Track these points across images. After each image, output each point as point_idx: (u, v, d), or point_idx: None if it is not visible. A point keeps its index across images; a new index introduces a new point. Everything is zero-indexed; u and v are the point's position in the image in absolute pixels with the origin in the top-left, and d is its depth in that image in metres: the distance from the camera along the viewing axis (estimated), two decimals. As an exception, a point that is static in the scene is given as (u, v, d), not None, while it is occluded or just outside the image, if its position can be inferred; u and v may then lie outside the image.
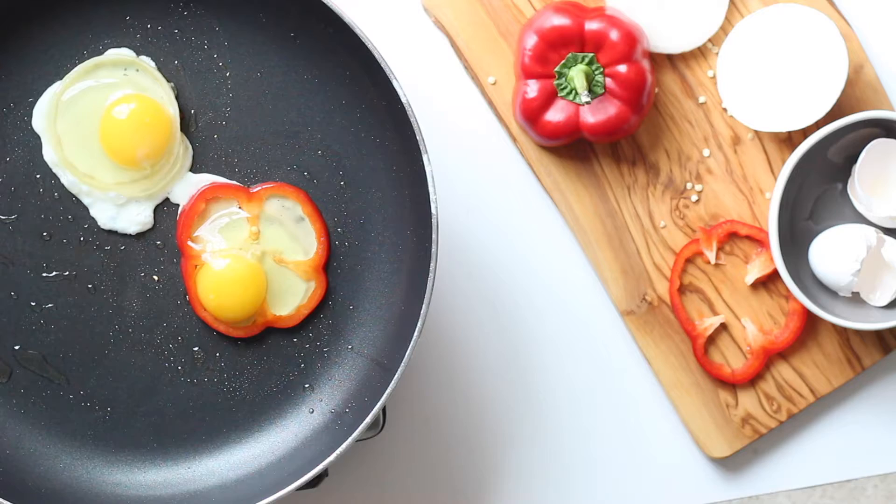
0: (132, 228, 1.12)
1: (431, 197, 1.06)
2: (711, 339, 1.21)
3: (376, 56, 1.07)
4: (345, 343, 1.13)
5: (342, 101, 1.12)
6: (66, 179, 1.11)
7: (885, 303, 1.18)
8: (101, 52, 1.11)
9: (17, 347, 1.12)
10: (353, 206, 1.12)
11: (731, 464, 1.23)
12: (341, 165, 1.12)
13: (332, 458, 1.07)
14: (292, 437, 1.13)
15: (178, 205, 1.12)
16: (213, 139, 1.12)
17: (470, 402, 1.22)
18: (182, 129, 1.12)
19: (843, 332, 1.21)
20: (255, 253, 1.12)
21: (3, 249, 1.12)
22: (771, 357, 1.21)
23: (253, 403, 1.13)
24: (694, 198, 1.20)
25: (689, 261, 1.20)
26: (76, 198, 1.12)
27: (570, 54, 1.14)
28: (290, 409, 1.13)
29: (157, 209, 1.12)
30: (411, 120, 1.06)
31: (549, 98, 1.15)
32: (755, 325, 1.20)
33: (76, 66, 1.11)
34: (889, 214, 1.16)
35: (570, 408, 1.23)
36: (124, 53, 1.11)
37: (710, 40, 1.19)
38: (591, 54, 1.14)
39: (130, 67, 1.11)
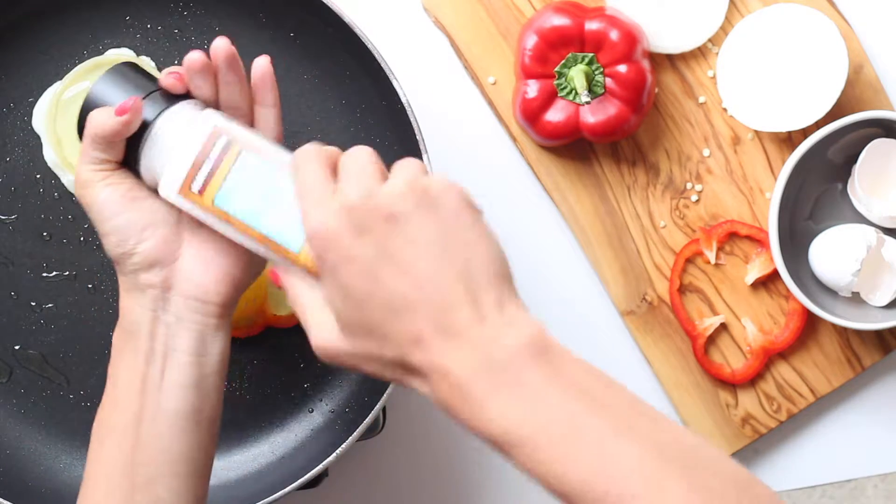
0: (132, 228, 1.12)
1: (431, 197, 1.06)
2: (711, 339, 1.21)
3: (376, 56, 1.07)
4: (345, 343, 1.13)
5: (342, 101, 1.12)
6: (67, 179, 1.11)
7: (885, 303, 1.18)
8: (101, 52, 1.11)
9: (17, 347, 1.12)
10: (353, 206, 1.12)
11: (731, 464, 1.23)
12: (341, 165, 1.12)
13: (332, 458, 1.07)
14: (292, 437, 1.13)
15: (178, 205, 1.12)
16: (213, 139, 1.12)
17: (470, 402, 1.22)
18: (182, 129, 1.12)
19: (843, 332, 1.21)
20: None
21: (3, 249, 1.12)
22: (771, 357, 1.21)
23: (253, 403, 1.13)
24: (694, 198, 1.20)
25: (689, 261, 1.20)
26: (76, 198, 1.12)
27: (570, 54, 1.14)
28: (290, 408, 1.13)
29: (157, 209, 1.12)
30: (411, 120, 1.06)
31: (549, 98, 1.15)
32: (755, 325, 1.20)
33: (76, 66, 1.11)
34: (889, 214, 1.16)
35: (570, 408, 1.23)
36: (124, 53, 1.11)
37: (710, 40, 1.19)
38: (591, 54, 1.14)
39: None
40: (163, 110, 0.92)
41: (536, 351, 0.80)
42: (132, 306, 0.92)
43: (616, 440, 0.77)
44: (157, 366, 0.91)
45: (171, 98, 0.93)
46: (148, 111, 0.92)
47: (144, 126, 0.92)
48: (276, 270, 0.89)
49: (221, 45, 0.92)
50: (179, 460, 0.91)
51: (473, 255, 0.82)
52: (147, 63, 1.11)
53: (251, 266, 0.94)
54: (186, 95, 0.94)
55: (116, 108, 0.90)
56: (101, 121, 0.90)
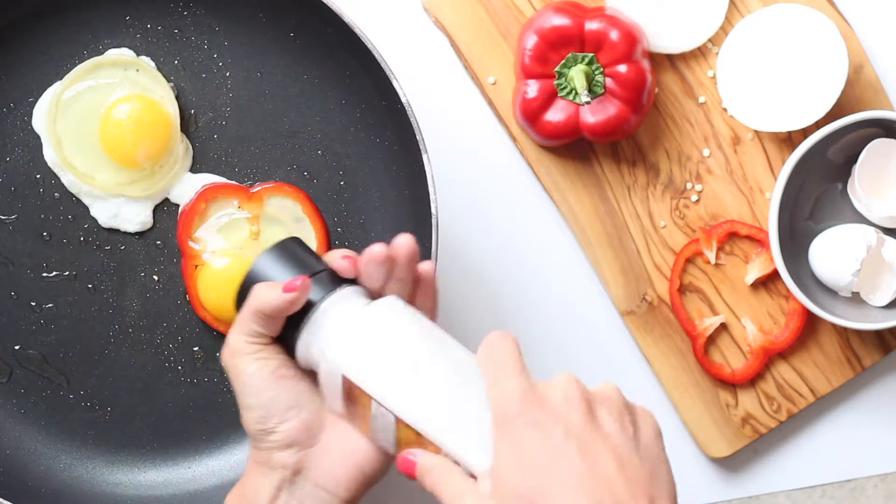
0: (132, 227, 1.12)
1: (431, 197, 1.06)
2: (711, 339, 1.21)
3: (376, 56, 1.07)
4: (345, 343, 1.13)
5: (342, 101, 1.12)
6: (67, 179, 1.11)
7: (885, 303, 1.18)
8: (101, 52, 1.11)
9: (17, 347, 1.12)
10: (353, 206, 1.12)
11: (731, 464, 1.23)
12: (341, 165, 1.12)
13: (332, 458, 1.07)
14: (292, 437, 1.13)
15: (178, 205, 1.12)
16: (213, 139, 1.12)
17: (470, 402, 1.22)
18: (182, 129, 1.12)
19: (843, 332, 1.21)
20: (256, 253, 1.12)
21: (3, 249, 1.12)
22: (771, 357, 1.21)
23: (253, 403, 1.13)
24: (694, 198, 1.20)
25: (689, 261, 1.20)
26: (76, 198, 1.12)
27: (570, 54, 1.14)
28: (290, 409, 1.13)
29: (156, 209, 1.12)
30: (411, 120, 1.06)
31: (549, 98, 1.15)
32: (755, 325, 1.20)
33: (76, 66, 1.11)
34: (889, 214, 1.16)
35: (570, 408, 1.23)
36: (124, 53, 1.11)
37: (710, 40, 1.19)
38: (591, 54, 1.14)
39: (130, 67, 1.11)
40: (328, 293, 0.91)
41: None
42: (257, 480, 0.91)
43: None
44: None
45: (335, 279, 0.92)
46: (313, 292, 0.91)
47: (307, 305, 0.91)
48: (409, 454, 0.87)
49: (406, 244, 0.92)
50: None
51: (659, 479, 0.83)
52: (147, 63, 1.11)
53: (383, 466, 0.93)
54: (347, 278, 0.93)
55: (284, 284, 0.89)
56: (266, 297, 0.89)
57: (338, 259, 0.92)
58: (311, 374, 0.92)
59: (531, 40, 1.15)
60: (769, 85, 1.16)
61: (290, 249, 0.93)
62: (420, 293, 0.94)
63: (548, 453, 0.81)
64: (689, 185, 1.20)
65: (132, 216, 1.12)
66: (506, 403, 0.83)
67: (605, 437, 0.82)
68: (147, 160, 1.10)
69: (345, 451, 0.91)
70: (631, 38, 1.14)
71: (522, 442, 0.82)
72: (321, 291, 0.91)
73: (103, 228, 1.12)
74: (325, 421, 0.91)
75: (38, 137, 1.12)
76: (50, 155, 1.11)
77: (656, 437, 0.85)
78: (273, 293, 0.89)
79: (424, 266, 0.94)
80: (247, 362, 0.90)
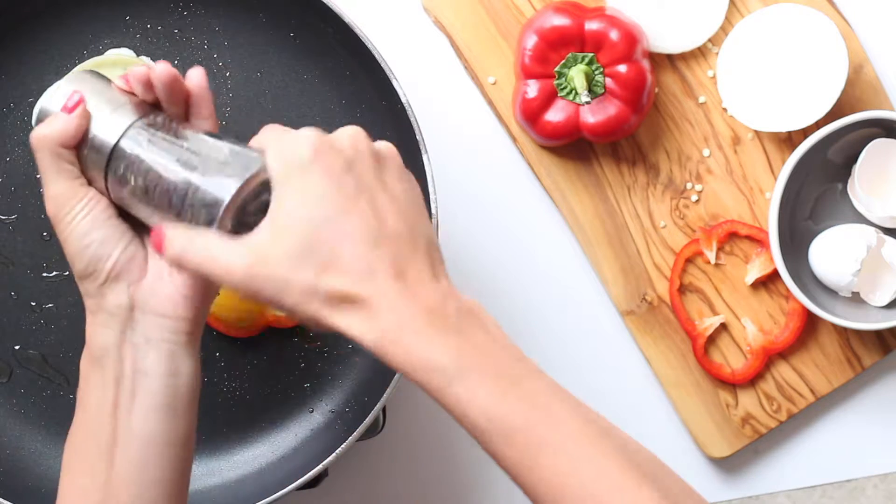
0: (132, 228, 1.12)
1: (431, 197, 1.06)
2: (711, 339, 1.21)
3: (376, 56, 1.07)
4: (345, 343, 1.13)
5: (342, 101, 1.12)
6: (66, 179, 1.11)
7: (885, 303, 1.18)
8: (101, 52, 1.11)
9: (17, 347, 1.12)
10: (353, 206, 1.12)
11: (731, 464, 1.23)
12: (341, 165, 1.12)
13: (331, 458, 1.07)
14: (292, 437, 1.13)
15: (178, 205, 1.12)
16: (213, 139, 1.12)
17: (470, 402, 1.22)
18: (182, 129, 1.12)
19: (843, 332, 1.21)
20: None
21: (3, 249, 1.12)
22: (771, 357, 1.21)
23: (253, 403, 1.13)
24: (694, 198, 1.20)
25: (689, 261, 1.20)
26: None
27: (570, 54, 1.14)
28: (290, 409, 1.13)
29: (157, 209, 1.12)
30: (411, 120, 1.06)
31: (549, 98, 1.15)
32: (755, 325, 1.20)
33: (76, 66, 1.11)
34: (889, 214, 1.16)
35: (570, 408, 1.23)
36: (124, 53, 1.11)
37: (710, 40, 1.19)
38: (591, 54, 1.14)
39: (130, 67, 1.11)
40: (129, 126, 0.89)
41: (479, 321, 0.83)
42: (99, 330, 0.89)
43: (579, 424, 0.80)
44: (127, 389, 0.88)
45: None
46: (110, 129, 0.89)
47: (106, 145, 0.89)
48: (160, 228, 0.85)
49: (162, 71, 0.90)
50: (155, 484, 0.88)
51: (430, 228, 0.85)
52: (147, 63, 1.11)
53: None
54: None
55: (63, 107, 0.88)
56: (59, 126, 0.88)
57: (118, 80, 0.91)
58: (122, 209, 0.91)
59: (531, 40, 1.15)
60: (769, 85, 1.16)
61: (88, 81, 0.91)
62: (196, 109, 0.91)
63: (338, 204, 0.81)
64: (689, 185, 1.20)
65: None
66: (299, 148, 0.82)
67: (393, 197, 0.83)
68: (147, 160, 1.10)
69: (172, 272, 0.89)
70: (631, 38, 1.14)
71: (313, 188, 0.81)
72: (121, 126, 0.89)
73: (103, 228, 1.12)
74: (147, 251, 0.90)
75: (38, 137, 1.12)
76: (50, 155, 1.11)
77: (419, 195, 0.86)
78: (62, 120, 0.88)
79: (195, 76, 0.91)
80: (80, 207, 0.88)
